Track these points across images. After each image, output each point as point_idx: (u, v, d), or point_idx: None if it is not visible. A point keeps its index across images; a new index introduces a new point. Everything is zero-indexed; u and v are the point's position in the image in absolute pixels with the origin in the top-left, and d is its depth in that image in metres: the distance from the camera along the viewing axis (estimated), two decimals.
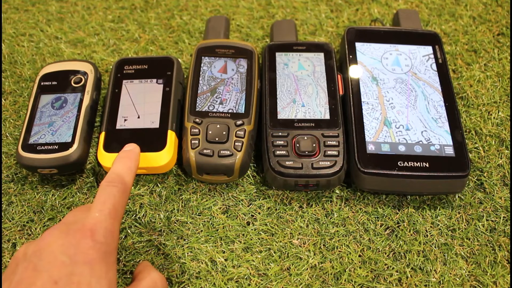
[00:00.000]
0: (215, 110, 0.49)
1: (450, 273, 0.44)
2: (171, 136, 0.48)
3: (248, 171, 0.50)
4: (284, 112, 0.49)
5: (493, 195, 0.49)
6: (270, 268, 0.45)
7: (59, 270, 0.31)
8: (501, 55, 0.59)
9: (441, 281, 0.44)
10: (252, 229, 0.47)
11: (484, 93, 0.56)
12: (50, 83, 0.52)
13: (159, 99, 0.50)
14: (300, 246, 0.46)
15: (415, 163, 0.46)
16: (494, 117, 0.54)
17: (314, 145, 0.47)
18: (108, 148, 0.47)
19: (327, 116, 0.49)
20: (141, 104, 0.50)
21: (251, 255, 0.45)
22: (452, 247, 0.46)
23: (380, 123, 0.48)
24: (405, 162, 0.46)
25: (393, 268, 0.45)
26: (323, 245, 0.46)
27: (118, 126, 0.49)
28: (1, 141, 0.53)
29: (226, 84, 0.51)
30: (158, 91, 0.51)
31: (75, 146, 0.47)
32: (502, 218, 0.47)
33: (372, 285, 0.44)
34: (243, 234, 0.46)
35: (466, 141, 0.50)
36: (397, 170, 0.45)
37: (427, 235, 0.46)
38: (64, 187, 0.50)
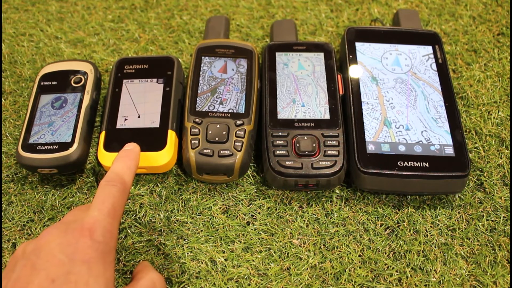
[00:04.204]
0: (215, 110, 0.49)
1: (450, 273, 0.44)
2: (171, 135, 0.48)
3: (248, 171, 0.50)
4: (284, 112, 0.49)
5: (493, 195, 0.49)
6: (270, 268, 0.45)
7: (56, 268, 0.31)
8: (501, 55, 0.59)
9: (441, 281, 0.44)
10: (252, 229, 0.47)
11: (484, 93, 0.55)
12: (50, 83, 0.52)
13: (160, 99, 0.50)
14: (300, 246, 0.46)
15: (415, 163, 0.46)
16: (494, 117, 0.54)
17: (314, 145, 0.47)
18: (108, 147, 0.47)
19: (327, 116, 0.49)
20: (141, 103, 0.50)
21: (251, 255, 0.45)
22: (452, 247, 0.46)
23: (380, 123, 0.48)
24: (405, 162, 0.46)
25: (393, 268, 0.45)
26: (323, 245, 0.46)
27: (118, 126, 0.49)
28: (1, 141, 0.53)
29: (226, 84, 0.51)
30: (158, 90, 0.51)
31: (75, 146, 0.47)
32: (502, 218, 0.47)
33: (372, 285, 0.44)
34: (243, 234, 0.46)
35: (466, 141, 0.50)
36: (397, 170, 0.45)
37: (427, 235, 0.46)
38: (64, 187, 0.50)
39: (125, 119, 0.49)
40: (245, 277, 0.44)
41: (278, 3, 0.65)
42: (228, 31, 0.59)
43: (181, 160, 0.49)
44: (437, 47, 0.54)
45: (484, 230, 0.47)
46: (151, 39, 0.61)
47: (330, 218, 0.47)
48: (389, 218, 0.47)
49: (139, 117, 0.49)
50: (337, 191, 0.49)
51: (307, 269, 0.44)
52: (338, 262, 0.45)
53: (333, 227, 0.47)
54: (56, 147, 0.47)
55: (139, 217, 0.48)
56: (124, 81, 0.52)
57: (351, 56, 0.53)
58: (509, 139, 0.52)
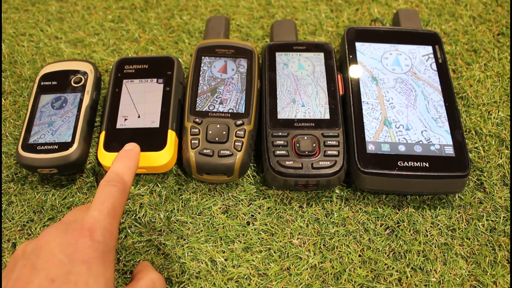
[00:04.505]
0: (215, 110, 0.49)
1: (450, 273, 0.44)
2: (171, 135, 0.48)
3: (248, 171, 0.50)
4: (284, 112, 0.49)
5: (493, 195, 0.49)
6: (270, 268, 0.45)
7: (56, 268, 0.31)
8: (501, 55, 0.59)
9: (441, 281, 0.44)
10: (252, 229, 0.47)
11: (484, 93, 0.55)
12: (50, 83, 0.52)
13: (159, 99, 0.50)
14: (300, 246, 0.46)
15: (415, 163, 0.46)
16: (494, 117, 0.54)
17: (314, 145, 0.47)
18: (108, 147, 0.47)
19: (327, 116, 0.49)
20: (141, 103, 0.50)
21: (251, 255, 0.45)
22: (452, 247, 0.46)
23: (380, 123, 0.48)
24: (405, 162, 0.46)
25: (393, 268, 0.44)
26: (323, 245, 0.46)
27: (118, 126, 0.49)
28: (1, 141, 0.53)
29: (226, 84, 0.51)
30: (158, 90, 0.51)
31: (75, 146, 0.47)
32: (502, 218, 0.47)
33: (372, 285, 0.44)
34: (243, 234, 0.46)
35: (466, 141, 0.50)
36: (397, 170, 0.45)
37: (427, 235, 0.46)
38: (64, 187, 0.50)
39: (125, 119, 0.49)
40: (245, 277, 0.44)
41: (278, 3, 0.65)
42: (228, 31, 0.59)
43: (181, 160, 0.49)
44: (437, 47, 0.54)
45: (484, 230, 0.47)
46: (151, 39, 0.61)
47: (330, 218, 0.47)
48: (389, 218, 0.47)
49: (139, 117, 0.49)
50: (337, 191, 0.49)
51: (307, 269, 0.44)
52: (338, 262, 0.45)
53: (333, 227, 0.47)
54: (56, 147, 0.47)
55: (139, 217, 0.48)
56: (124, 81, 0.52)
57: (351, 56, 0.53)
58: (509, 139, 0.52)
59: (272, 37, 0.58)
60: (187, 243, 0.46)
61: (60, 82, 0.52)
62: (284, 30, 0.58)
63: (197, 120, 0.48)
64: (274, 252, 0.45)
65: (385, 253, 0.45)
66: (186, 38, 0.61)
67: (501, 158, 0.51)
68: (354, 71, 0.52)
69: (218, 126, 0.48)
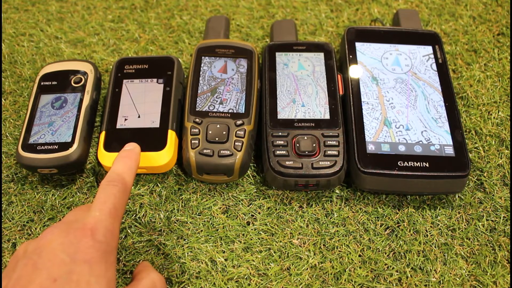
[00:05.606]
0: (215, 110, 0.49)
1: (450, 273, 0.44)
2: (172, 135, 0.48)
3: (248, 171, 0.50)
4: (284, 112, 0.49)
5: (493, 195, 0.49)
6: (270, 268, 0.45)
7: (58, 268, 0.31)
8: (501, 55, 0.59)
9: (441, 281, 0.44)
10: (252, 229, 0.47)
11: (484, 93, 0.56)
12: (50, 83, 0.52)
13: (160, 99, 0.50)
14: (300, 246, 0.46)
15: (415, 163, 0.46)
16: (494, 117, 0.54)
17: (314, 145, 0.47)
18: (109, 147, 0.47)
19: (327, 116, 0.49)
20: (141, 103, 0.50)
21: (251, 255, 0.45)
22: (452, 247, 0.46)
23: (380, 123, 0.48)
24: (405, 162, 0.46)
25: (393, 268, 0.45)
26: (323, 245, 0.46)
27: (118, 126, 0.49)
28: (1, 141, 0.53)
29: (226, 84, 0.51)
30: (158, 90, 0.51)
31: (75, 146, 0.47)
32: (502, 218, 0.47)
33: (372, 285, 0.44)
34: (243, 234, 0.46)
35: (466, 141, 0.50)
36: (397, 170, 0.45)
37: (427, 235, 0.46)
38: (64, 187, 0.50)
39: (125, 119, 0.49)
40: (245, 277, 0.44)
41: (278, 3, 0.65)
42: (228, 31, 0.59)
43: (181, 160, 0.49)
44: (437, 47, 0.54)
45: (484, 230, 0.47)
46: (151, 39, 0.61)
47: (330, 218, 0.47)
48: (389, 218, 0.47)
49: (139, 117, 0.49)
50: (337, 191, 0.49)
51: (307, 269, 0.45)
52: (338, 262, 0.45)
53: (333, 227, 0.47)
54: (56, 147, 0.47)
55: (139, 217, 0.48)
56: (124, 81, 0.52)
57: (351, 56, 0.53)
58: (509, 139, 0.52)
59: (272, 37, 0.58)
60: (187, 243, 0.46)
61: (60, 82, 0.52)
62: (284, 30, 0.58)
63: (197, 120, 0.48)
64: (274, 252, 0.45)
65: (385, 253, 0.45)
66: (186, 38, 0.61)
67: (501, 158, 0.51)
68: (354, 71, 0.52)
69: (218, 126, 0.48)
